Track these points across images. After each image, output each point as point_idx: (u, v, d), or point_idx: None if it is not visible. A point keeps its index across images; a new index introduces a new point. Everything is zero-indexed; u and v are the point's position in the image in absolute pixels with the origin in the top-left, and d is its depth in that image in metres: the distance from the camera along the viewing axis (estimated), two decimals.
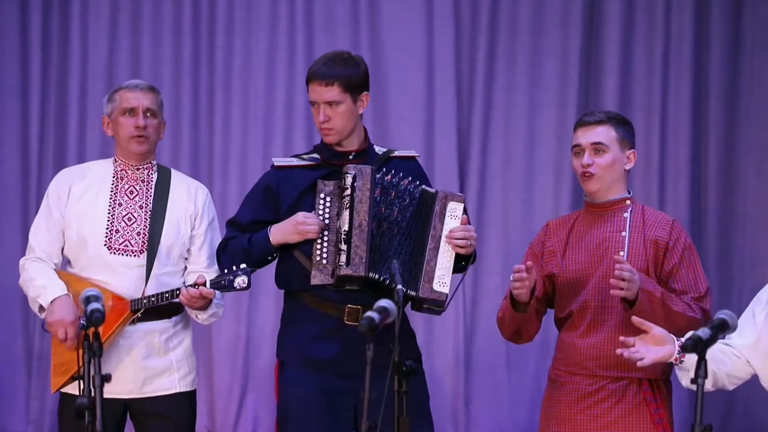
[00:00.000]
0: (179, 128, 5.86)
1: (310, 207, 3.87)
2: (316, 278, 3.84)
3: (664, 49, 5.76)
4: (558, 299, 3.88)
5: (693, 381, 3.19)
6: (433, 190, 3.92)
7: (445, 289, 3.85)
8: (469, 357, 5.85)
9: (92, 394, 3.16)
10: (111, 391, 3.94)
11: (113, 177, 4.16)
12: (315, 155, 3.99)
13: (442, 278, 3.85)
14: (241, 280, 3.92)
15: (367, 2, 5.84)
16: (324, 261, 3.83)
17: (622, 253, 3.77)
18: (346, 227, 3.81)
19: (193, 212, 4.19)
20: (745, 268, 5.74)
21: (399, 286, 3.51)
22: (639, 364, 3.53)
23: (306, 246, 3.87)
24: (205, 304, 4.03)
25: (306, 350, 3.91)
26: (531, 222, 5.79)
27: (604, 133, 3.81)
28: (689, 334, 3.23)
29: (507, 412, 5.78)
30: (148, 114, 4.13)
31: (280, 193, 3.95)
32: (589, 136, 3.82)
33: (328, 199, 3.86)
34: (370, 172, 3.84)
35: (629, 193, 3.89)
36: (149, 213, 4.12)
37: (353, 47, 5.75)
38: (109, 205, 4.12)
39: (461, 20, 5.84)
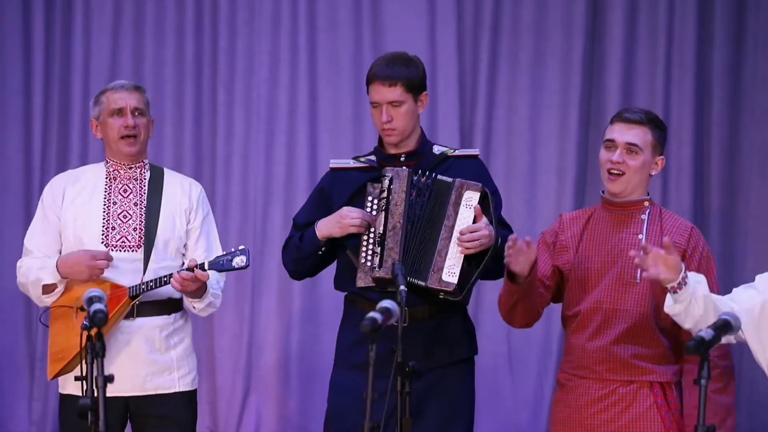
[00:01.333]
0: (182, 129, 5.86)
1: (361, 208, 3.91)
2: (361, 280, 3.88)
3: (667, 49, 5.75)
4: (567, 296, 3.84)
5: (696, 382, 3.18)
6: (449, 179, 3.89)
7: (454, 279, 3.82)
8: None
9: (95, 395, 3.15)
10: (112, 389, 3.94)
11: (106, 178, 4.19)
12: (372, 157, 4.02)
13: (452, 268, 3.83)
14: (239, 260, 3.96)
15: (369, 3, 5.84)
16: (368, 263, 3.86)
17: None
18: (380, 230, 3.85)
19: (187, 206, 4.21)
20: (747, 269, 5.73)
21: (402, 287, 3.51)
22: (644, 275, 3.48)
23: (355, 244, 3.89)
24: (198, 288, 4.02)
25: (350, 353, 3.96)
26: (534, 222, 5.78)
27: (641, 135, 3.74)
28: (694, 335, 3.23)
29: (509, 413, 5.77)
30: (136, 113, 4.15)
31: (332, 195, 4.01)
32: (626, 134, 3.74)
33: (375, 201, 3.89)
34: (407, 174, 3.86)
35: (648, 194, 3.85)
36: (144, 209, 4.13)
37: (356, 48, 5.76)
38: (104, 204, 4.15)
39: (464, 21, 5.84)
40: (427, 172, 3.91)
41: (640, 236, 3.76)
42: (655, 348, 3.72)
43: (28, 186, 5.86)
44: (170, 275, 4.01)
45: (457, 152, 4.06)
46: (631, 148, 3.73)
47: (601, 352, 3.74)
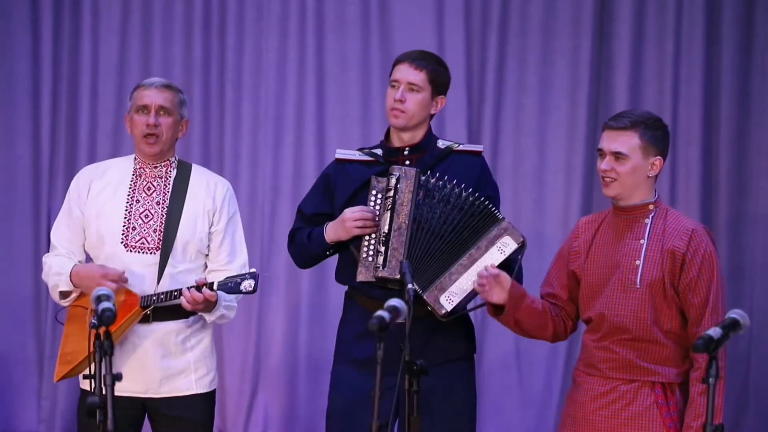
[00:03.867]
0: (190, 127, 5.82)
1: (364, 202, 3.91)
2: (362, 275, 3.87)
3: (675, 48, 5.74)
4: (580, 301, 3.85)
5: (704, 380, 3.18)
6: (500, 216, 3.89)
7: (449, 306, 3.84)
8: (478, 356, 5.81)
9: (104, 393, 3.16)
10: (129, 389, 3.96)
11: (132, 174, 4.14)
12: (377, 150, 4.02)
13: (453, 296, 3.84)
14: (247, 284, 3.93)
15: (377, 2, 5.84)
16: (369, 258, 3.86)
17: (638, 262, 3.74)
18: (385, 229, 3.83)
19: (211, 208, 4.15)
20: (756, 268, 5.72)
21: (409, 286, 3.51)
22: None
23: (359, 241, 3.89)
24: (208, 306, 4.01)
25: (350, 349, 3.96)
26: (542, 222, 5.78)
27: (626, 142, 3.71)
28: (702, 334, 3.23)
29: (517, 412, 5.77)
30: (161, 112, 4.09)
31: (337, 186, 4.00)
32: (610, 142, 3.74)
33: (379, 195, 3.88)
34: (415, 174, 3.85)
35: (655, 196, 3.81)
36: (166, 209, 4.11)
37: (364, 47, 5.76)
38: (127, 202, 4.11)
39: (472, 20, 5.84)
40: (438, 174, 3.90)
41: (641, 241, 3.75)
42: (659, 351, 3.73)
43: (36, 186, 5.87)
44: (180, 290, 3.98)
45: (461, 147, 4.06)
46: (617, 156, 3.74)
47: (605, 352, 3.76)
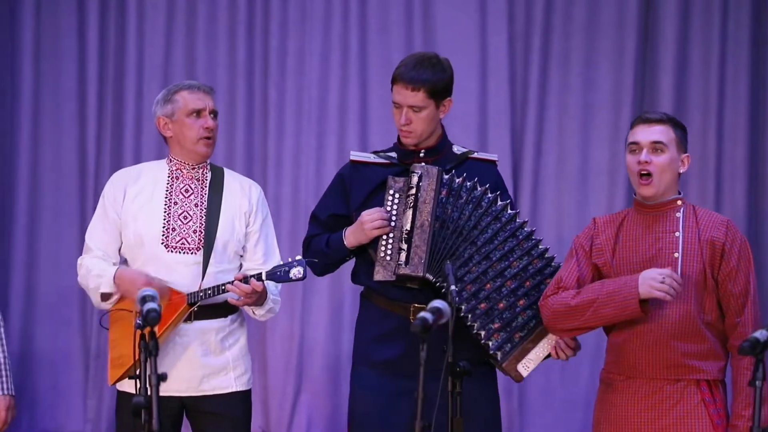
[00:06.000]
0: (233, 129, 5.89)
1: (380, 204, 3.90)
2: (379, 274, 3.86)
3: (721, 48, 5.70)
4: None
5: (750, 383, 3.15)
6: (542, 246, 3.94)
7: (525, 373, 3.89)
8: None
9: (148, 393, 3.18)
10: (168, 388, 3.96)
11: (168, 177, 4.19)
12: (392, 153, 4.01)
13: (529, 363, 3.89)
14: (296, 271, 3.94)
15: (420, 3, 5.84)
16: (387, 257, 3.85)
17: (676, 254, 3.73)
18: (408, 226, 3.82)
19: (247, 209, 4.20)
20: None
21: (452, 287, 3.50)
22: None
23: (376, 241, 3.89)
24: (258, 298, 4.04)
25: (371, 351, 3.95)
26: (585, 223, 5.72)
27: (664, 133, 3.76)
28: (749, 336, 3.20)
29: (560, 414, 5.75)
30: (212, 115, 4.16)
31: (352, 188, 3.99)
32: (648, 134, 3.76)
33: (396, 195, 3.88)
34: (437, 172, 3.84)
35: (680, 193, 3.84)
36: (204, 210, 4.14)
37: (407, 49, 5.75)
38: (165, 204, 4.15)
39: (515, 21, 5.82)
40: (466, 174, 3.89)
41: (677, 234, 3.76)
42: (701, 344, 3.71)
43: (82, 187, 5.92)
44: (226, 285, 4.01)
45: (476, 155, 4.05)
46: (656, 146, 3.75)
47: (649, 352, 3.73)
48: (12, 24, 5.90)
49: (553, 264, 3.93)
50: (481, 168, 4.00)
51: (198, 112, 4.13)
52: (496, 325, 3.85)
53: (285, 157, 5.88)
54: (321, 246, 3.98)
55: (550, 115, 5.82)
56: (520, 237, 3.91)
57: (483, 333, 3.83)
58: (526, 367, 3.87)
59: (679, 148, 3.78)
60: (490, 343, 3.84)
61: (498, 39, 5.80)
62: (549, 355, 3.91)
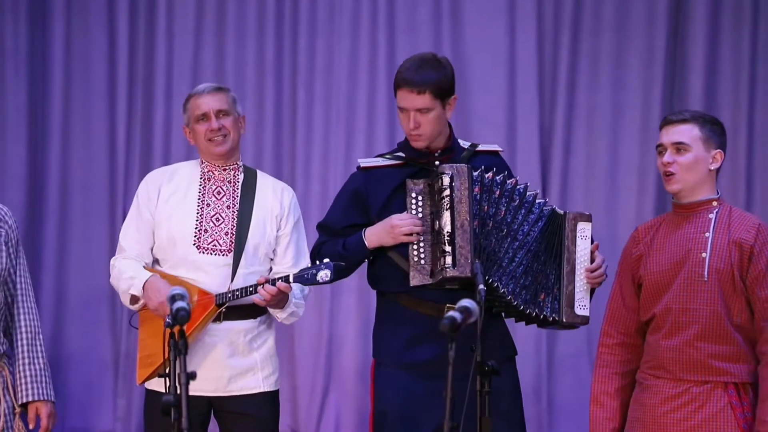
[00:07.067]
0: (262, 129, 5.91)
1: (401, 206, 3.88)
2: (416, 279, 3.84)
3: (752, 47, 5.67)
4: (642, 303, 3.83)
5: None
6: (560, 211, 3.94)
7: (586, 312, 3.91)
8: (551, 357, 5.82)
9: (178, 392, 3.19)
10: (196, 388, 3.96)
11: (201, 178, 4.20)
12: (399, 153, 4.00)
13: (582, 301, 3.90)
14: (323, 274, 3.94)
15: (449, 2, 5.83)
16: (422, 261, 3.83)
17: (704, 254, 3.71)
18: (448, 228, 3.79)
19: (279, 212, 4.20)
20: None
21: (481, 287, 3.49)
22: None
23: (401, 247, 3.87)
24: (281, 300, 4.05)
25: (404, 353, 3.92)
26: (614, 223, 5.73)
27: (686, 132, 3.75)
28: None
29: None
30: (221, 115, 4.15)
31: (369, 195, 3.96)
32: (671, 135, 3.76)
33: (419, 198, 3.86)
34: (467, 170, 3.82)
35: (717, 194, 3.82)
36: (236, 213, 4.15)
37: (435, 47, 5.75)
38: (198, 206, 4.16)
39: (544, 20, 5.81)
40: (494, 169, 3.90)
41: (706, 234, 3.73)
42: (729, 346, 3.69)
43: (112, 187, 5.95)
44: (255, 286, 4.02)
45: (481, 147, 4.05)
46: (679, 146, 3.75)
47: (676, 352, 3.72)
48: (43, 25, 5.94)
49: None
50: (491, 160, 3.99)
51: (203, 116, 4.15)
52: (542, 297, 3.91)
53: (313, 157, 5.89)
54: (337, 249, 3.95)
55: (579, 114, 5.80)
56: (543, 216, 3.94)
57: (537, 311, 3.89)
58: (582, 306, 3.90)
59: (707, 145, 3.76)
60: (546, 312, 3.90)
61: (526, 38, 5.79)
62: (593, 290, 3.95)
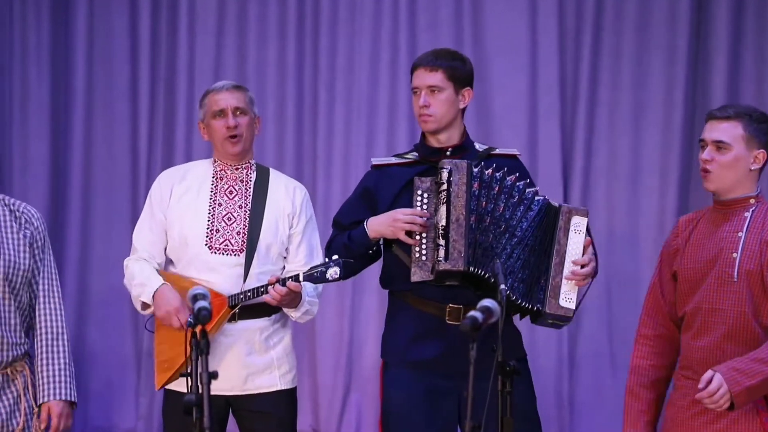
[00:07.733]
0: (283, 129, 5.92)
1: (408, 204, 3.89)
2: (416, 275, 3.84)
3: None
4: (678, 298, 3.80)
5: None
6: (556, 204, 3.92)
7: (572, 305, 3.87)
8: (572, 358, 5.80)
9: (199, 391, 3.20)
10: (214, 387, 3.96)
11: (213, 177, 4.21)
12: (414, 153, 4.01)
13: (568, 294, 3.87)
14: (333, 272, 3.94)
15: (470, 2, 5.83)
16: (423, 257, 3.83)
17: (735, 254, 3.67)
18: (443, 222, 3.79)
19: (291, 211, 4.21)
20: None
21: (502, 286, 3.49)
22: None
23: (405, 244, 3.88)
24: (294, 299, 4.05)
25: (408, 351, 3.93)
26: (636, 222, 5.72)
27: (728, 131, 3.67)
28: None
29: (611, 414, 5.71)
30: (238, 113, 4.16)
31: (378, 192, 3.98)
32: (712, 132, 3.69)
33: (425, 195, 3.86)
34: (466, 165, 3.82)
35: (758, 190, 3.74)
36: (248, 212, 4.16)
37: (456, 46, 5.72)
38: (209, 206, 4.17)
39: (565, 18, 5.80)
40: (494, 165, 3.88)
41: (740, 234, 3.68)
42: (756, 348, 3.65)
43: (134, 186, 5.98)
44: (265, 287, 4.03)
45: (498, 150, 4.05)
46: (719, 144, 3.68)
47: (704, 353, 3.69)
48: (66, 25, 5.97)
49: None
50: (508, 163, 3.98)
51: (221, 112, 4.15)
52: (534, 288, 3.89)
53: (335, 157, 5.90)
54: (343, 240, 3.98)
55: (601, 113, 5.79)
56: (540, 210, 3.91)
57: (530, 304, 3.87)
58: (568, 299, 3.86)
59: (749, 144, 3.67)
60: (532, 304, 3.86)
61: (548, 36, 5.78)
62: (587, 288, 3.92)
